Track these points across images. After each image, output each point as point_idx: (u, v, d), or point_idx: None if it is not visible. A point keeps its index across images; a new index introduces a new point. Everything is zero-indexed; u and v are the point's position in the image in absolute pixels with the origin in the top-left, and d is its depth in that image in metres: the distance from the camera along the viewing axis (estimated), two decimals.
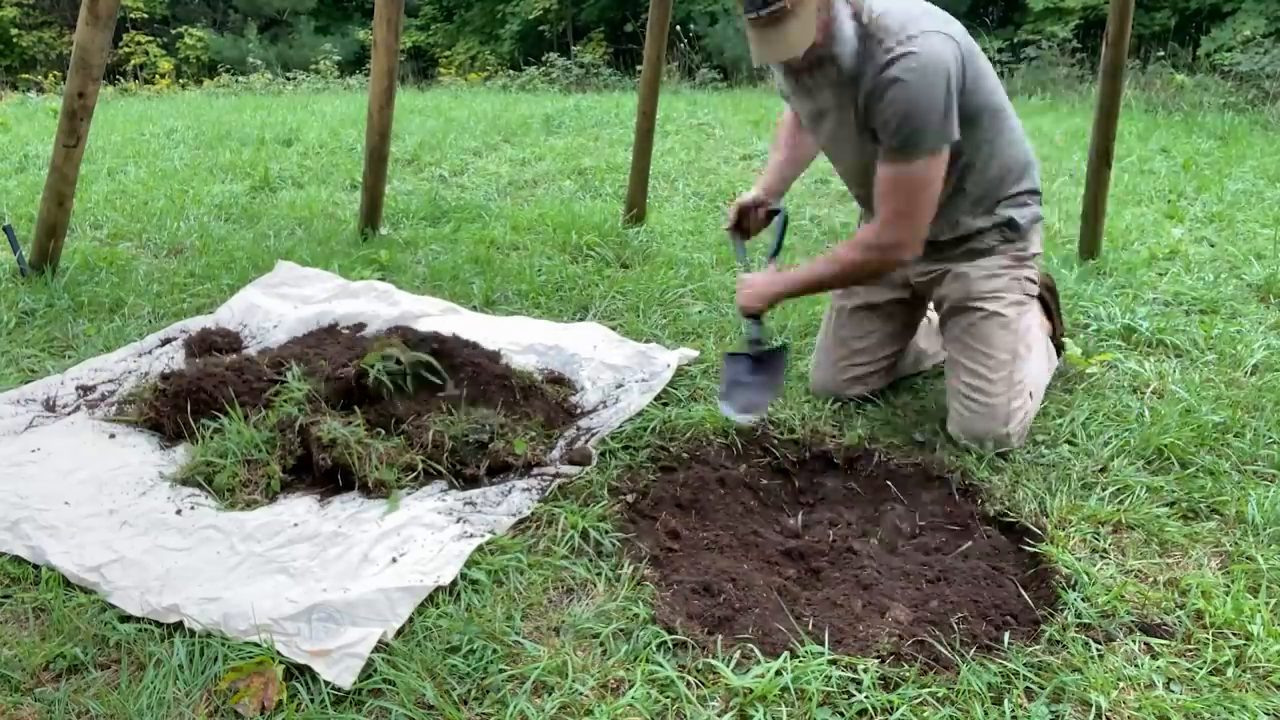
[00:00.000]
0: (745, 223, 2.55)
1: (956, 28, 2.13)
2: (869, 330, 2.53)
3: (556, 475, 2.19)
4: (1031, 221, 2.34)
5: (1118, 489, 2.12)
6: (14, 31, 17.89)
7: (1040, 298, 2.58)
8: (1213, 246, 4.02)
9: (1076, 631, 1.67)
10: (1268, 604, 1.73)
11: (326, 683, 1.55)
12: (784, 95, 2.45)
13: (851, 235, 2.55)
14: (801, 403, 2.56)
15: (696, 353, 2.85)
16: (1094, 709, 1.49)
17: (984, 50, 2.34)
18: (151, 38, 17.42)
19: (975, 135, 2.17)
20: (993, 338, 2.29)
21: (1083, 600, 1.74)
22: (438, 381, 2.38)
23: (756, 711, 1.48)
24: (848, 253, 2.28)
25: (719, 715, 1.49)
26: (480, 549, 1.90)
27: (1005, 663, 1.58)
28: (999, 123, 2.22)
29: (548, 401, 2.51)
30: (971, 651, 1.61)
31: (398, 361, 2.34)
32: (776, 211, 2.56)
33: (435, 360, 2.42)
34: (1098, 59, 4.72)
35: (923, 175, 2.08)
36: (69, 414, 2.56)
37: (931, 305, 2.54)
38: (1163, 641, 1.65)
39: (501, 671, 1.59)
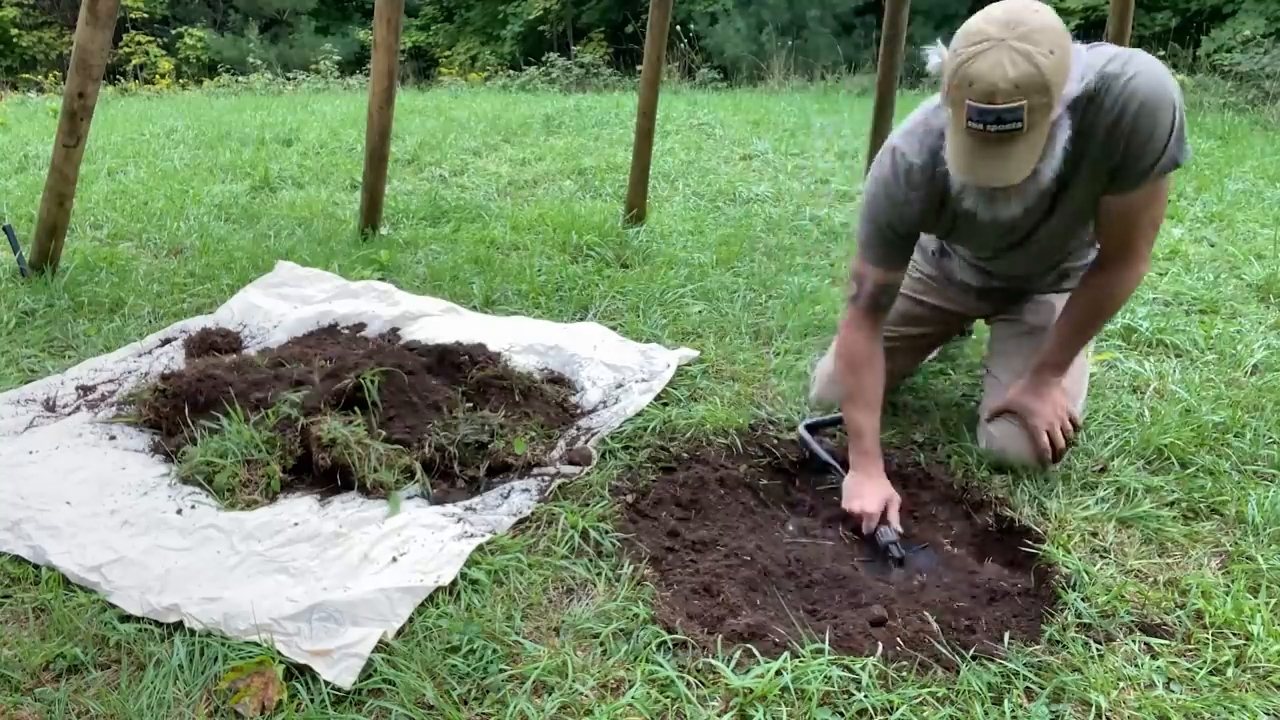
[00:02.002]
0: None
1: None
2: (891, 359, 2.33)
3: (556, 475, 2.19)
4: None
5: (1118, 489, 2.12)
6: (14, 31, 17.88)
7: None
8: (1213, 246, 4.02)
9: (1076, 631, 1.67)
10: (1268, 604, 1.73)
11: (326, 683, 1.55)
12: (886, 236, 2.07)
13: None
14: (801, 403, 2.56)
15: (696, 353, 2.85)
16: (1094, 709, 1.49)
17: None
18: (151, 38, 17.41)
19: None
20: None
21: (1083, 600, 1.74)
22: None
23: (756, 711, 1.48)
24: (1110, 303, 2.04)
25: (719, 715, 1.49)
26: (480, 549, 1.90)
27: (1005, 663, 1.58)
28: None
29: (548, 401, 2.51)
30: (971, 651, 1.61)
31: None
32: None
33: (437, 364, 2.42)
34: None
35: (1160, 193, 1.90)
36: (69, 414, 2.56)
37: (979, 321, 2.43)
38: (1163, 641, 1.65)
39: (501, 671, 1.59)
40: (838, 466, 2.22)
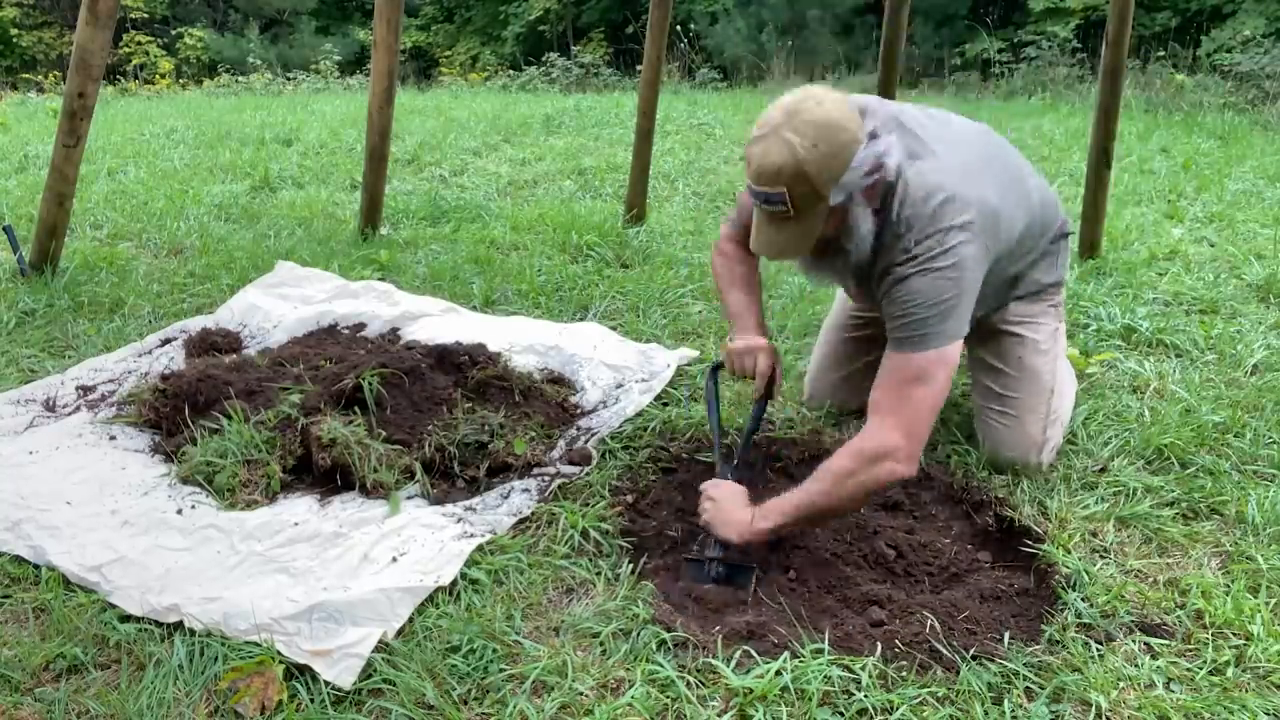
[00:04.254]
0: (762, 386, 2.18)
1: (992, 180, 1.94)
2: (873, 351, 2.35)
3: (556, 475, 2.19)
4: (1064, 249, 2.29)
5: (1118, 489, 2.12)
6: (14, 31, 17.88)
7: None
8: (1213, 246, 4.02)
9: (1076, 631, 1.67)
10: (1268, 604, 1.73)
11: (326, 683, 1.55)
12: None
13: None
14: (800, 403, 2.56)
15: (696, 353, 2.85)
16: (1094, 709, 1.49)
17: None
18: (152, 38, 17.41)
19: (1012, 256, 2.07)
20: (1031, 366, 2.22)
21: (1083, 600, 1.74)
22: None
23: (756, 711, 1.48)
24: (838, 461, 1.83)
25: (719, 715, 1.49)
26: (480, 549, 1.90)
27: (1005, 663, 1.58)
28: (1032, 223, 2.10)
29: (548, 401, 2.51)
30: (971, 651, 1.61)
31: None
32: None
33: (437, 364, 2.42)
34: (1098, 59, 4.72)
35: (924, 367, 1.83)
36: (69, 414, 2.56)
37: None
38: (1163, 641, 1.65)
39: (501, 671, 1.59)
40: (719, 442, 2.14)
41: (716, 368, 2.30)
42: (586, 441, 2.34)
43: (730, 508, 1.88)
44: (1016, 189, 2.04)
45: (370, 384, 2.30)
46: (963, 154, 1.94)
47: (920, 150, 1.89)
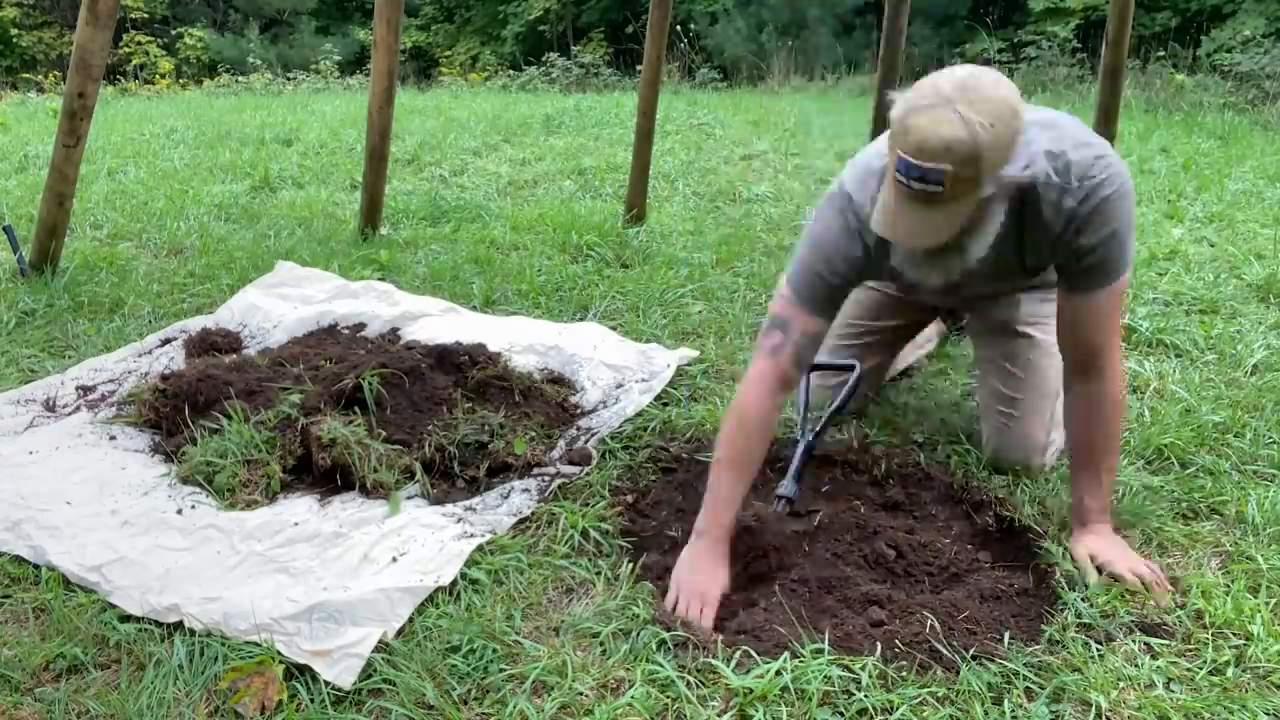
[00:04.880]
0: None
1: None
2: (868, 354, 2.43)
3: (556, 475, 2.19)
4: None
5: (1118, 489, 2.12)
6: (14, 31, 17.89)
7: None
8: (1213, 246, 4.02)
9: (1076, 631, 1.67)
10: (1268, 604, 1.73)
11: (326, 683, 1.55)
12: (819, 278, 1.92)
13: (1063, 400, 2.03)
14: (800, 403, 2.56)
15: (696, 353, 2.85)
16: (1094, 709, 1.49)
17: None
18: (152, 38, 17.42)
19: None
20: (1039, 368, 2.22)
21: (1083, 600, 1.74)
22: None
23: (756, 711, 1.48)
24: (1104, 423, 1.87)
25: (719, 715, 1.49)
26: (480, 549, 1.90)
27: (1005, 663, 1.58)
28: None
29: (548, 402, 2.51)
30: (971, 651, 1.61)
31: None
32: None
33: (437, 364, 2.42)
34: (1098, 59, 4.72)
35: (1114, 298, 1.84)
36: (69, 414, 2.56)
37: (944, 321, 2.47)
38: (1163, 641, 1.65)
39: (501, 671, 1.59)
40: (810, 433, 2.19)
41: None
42: (586, 441, 2.34)
43: (1103, 543, 1.87)
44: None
45: (370, 384, 2.30)
46: (1068, 121, 1.87)
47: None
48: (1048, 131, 1.77)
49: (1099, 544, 1.87)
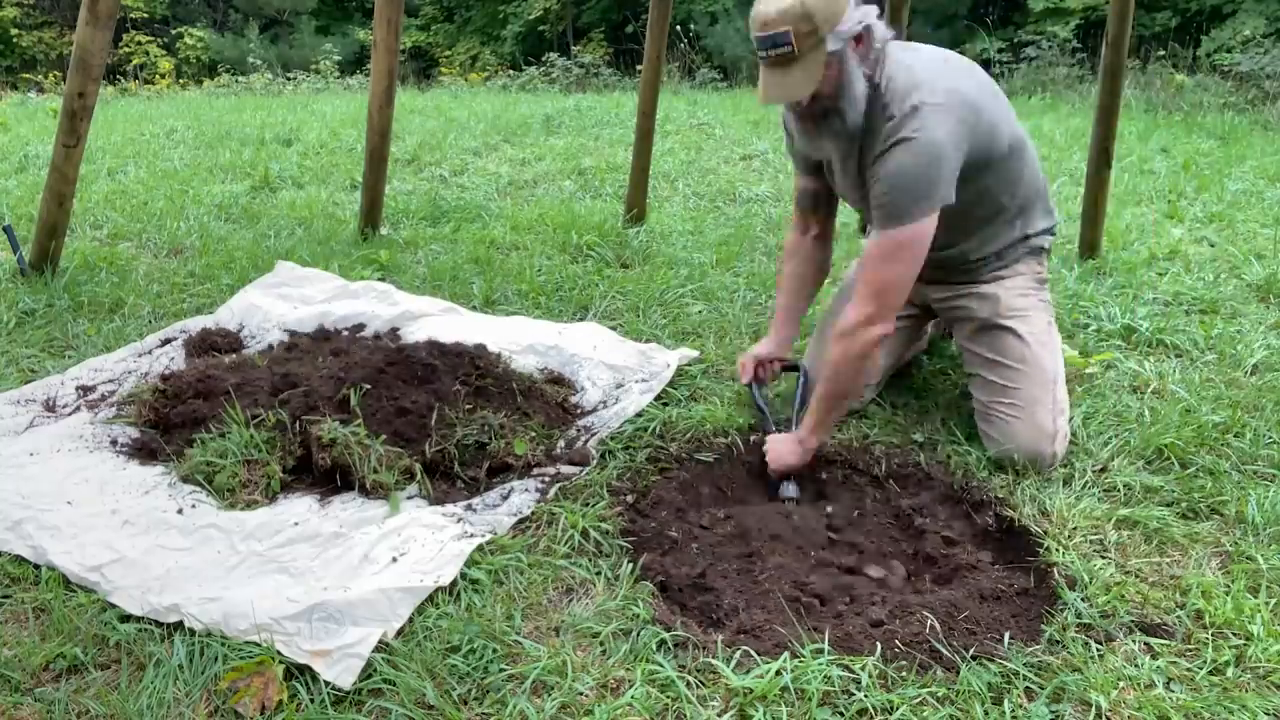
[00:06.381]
0: (761, 374, 2.53)
1: (968, 82, 2.13)
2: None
3: (556, 475, 2.19)
4: (1049, 245, 2.41)
5: (1118, 489, 2.12)
6: (14, 31, 17.90)
7: None
8: (1213, 246, 4.02)
9: (1076, 631, 1.67)
10: (1268, 604, 1.73)
11: (326, 683, 1.55)
12: (791, 152, 2.45)
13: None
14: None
15: (696, 353, 2.85)
16: (1094, 709, 1.49)
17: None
18: (151, 38, 17.43)
19: (1002, 169, 2.20)
20: (1032, 357, 2.26)
21: (1083, 600, 1.74)
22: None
23: (756, 711, 1.48)
24: (830, 350, 2.18)
25: (719, 715, 1.49)
26: (480, 549, 1.90)
27: (1005, 663, 1.58)
28: (1023, 153, 2.26)
29: (548, 401, 2.51)
30: (971, 651, 1.61)
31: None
32: (794, 367, 2.54)
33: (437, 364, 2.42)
34: (1098, 59, 4.72)
35: (900, 242, 2.07)
36: (69, 414, 2.56)
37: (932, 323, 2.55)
38: (1163, 641, 1.65)
39: (501, 671, 1.59)
40: (770, 421, 2.41)
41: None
42: (586, 441, 2.34)
43: (780, 447, 2.24)
44: (998, 100, 2.20)
45: (370, 383, 2.30)
46: (941, 58, 2.18)
47: (904, 46, 2.14)
48: (908, 49, 2.14)
49: (774, 440, 2.27)
